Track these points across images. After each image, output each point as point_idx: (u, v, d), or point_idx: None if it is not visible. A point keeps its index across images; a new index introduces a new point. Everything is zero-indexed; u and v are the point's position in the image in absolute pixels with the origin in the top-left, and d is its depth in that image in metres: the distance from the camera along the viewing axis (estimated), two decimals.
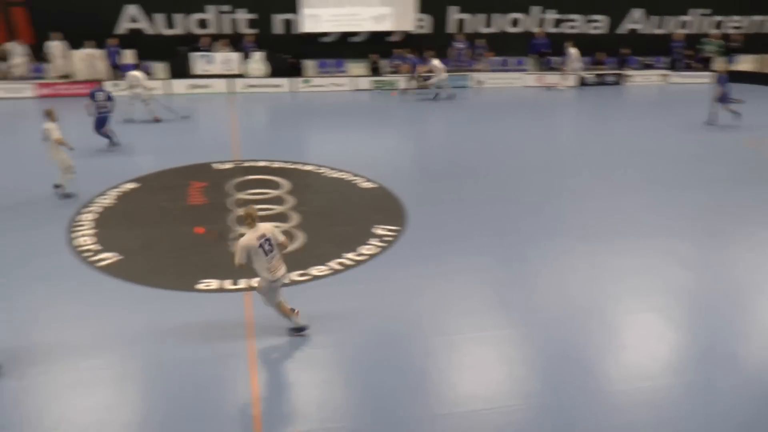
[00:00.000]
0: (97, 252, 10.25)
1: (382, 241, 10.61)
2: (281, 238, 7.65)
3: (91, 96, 15.75)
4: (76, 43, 22.85)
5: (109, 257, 10.08)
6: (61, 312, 8.61)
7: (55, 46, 22.54)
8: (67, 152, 12.51)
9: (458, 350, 7.69)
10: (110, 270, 9.70)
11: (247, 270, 7.49)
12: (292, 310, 7.83)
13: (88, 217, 11.65)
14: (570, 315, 8.43)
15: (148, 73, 22.87)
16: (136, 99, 18.87)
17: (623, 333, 8.17)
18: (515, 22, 27.75)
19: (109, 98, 15.79)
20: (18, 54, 22.67)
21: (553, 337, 7.91)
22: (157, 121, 19.01)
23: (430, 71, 22.68)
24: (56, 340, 8.02)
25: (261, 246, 7.35)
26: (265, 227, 7.58)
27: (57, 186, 12.69)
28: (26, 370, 7.44)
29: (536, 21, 27.90)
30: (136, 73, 19.00)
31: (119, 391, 7.09)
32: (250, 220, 7.49)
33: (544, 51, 28.19)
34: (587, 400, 6.76)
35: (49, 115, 12.35)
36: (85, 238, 10.74)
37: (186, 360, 7.52)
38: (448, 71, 23.65)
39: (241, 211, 7.86)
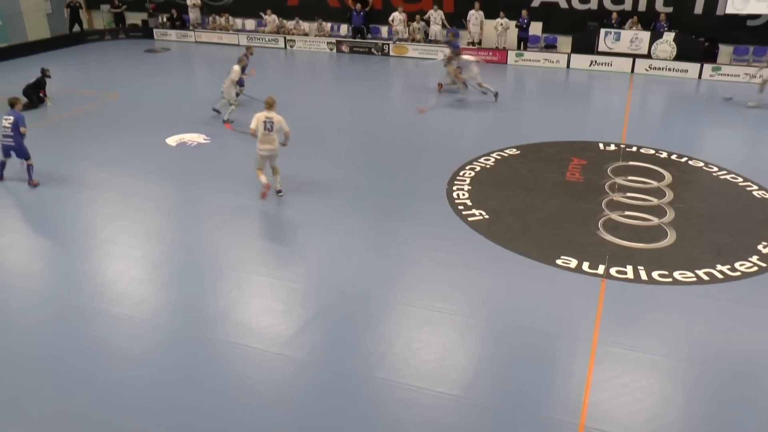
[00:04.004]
0: (469, 207, 11.07)
1: (765, 261, 9.47)
2: (287, 128, 10.86)
3: None
4: (491, 14, 24.21)
5: (476, 214, 10.85)
6: (427, 254, 9.58)
7: (472, 15, 24.33)
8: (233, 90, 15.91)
9: None
10: (476, 226, 10.45)
11: (606, 259, 7.25)
12: (264, 184, 11.12)
13: (468, 174, 12.59)
14: None
15: (553, 46, 23.36)
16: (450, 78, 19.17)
17: None
18: None
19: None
20: (436, 20, 24.92)
21: None
22: (440, 87, 19.40)
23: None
24: (418, 276, 9.05)
25: (264, 123, 10.75)
26: (275, 115, 10.79)
27: (215, 110, 16.54)
28: (387, 296, 8.56)
29: None
30: (468, 57, 19.02)
31: (460, 338, 7.74)
32: (267, 106, 10.83)
33: None
34: None
35: (240, 62, 16.22)
36: (463, 193, 11.66)
37: (527, 329, 7.82)
38: None
39: None
